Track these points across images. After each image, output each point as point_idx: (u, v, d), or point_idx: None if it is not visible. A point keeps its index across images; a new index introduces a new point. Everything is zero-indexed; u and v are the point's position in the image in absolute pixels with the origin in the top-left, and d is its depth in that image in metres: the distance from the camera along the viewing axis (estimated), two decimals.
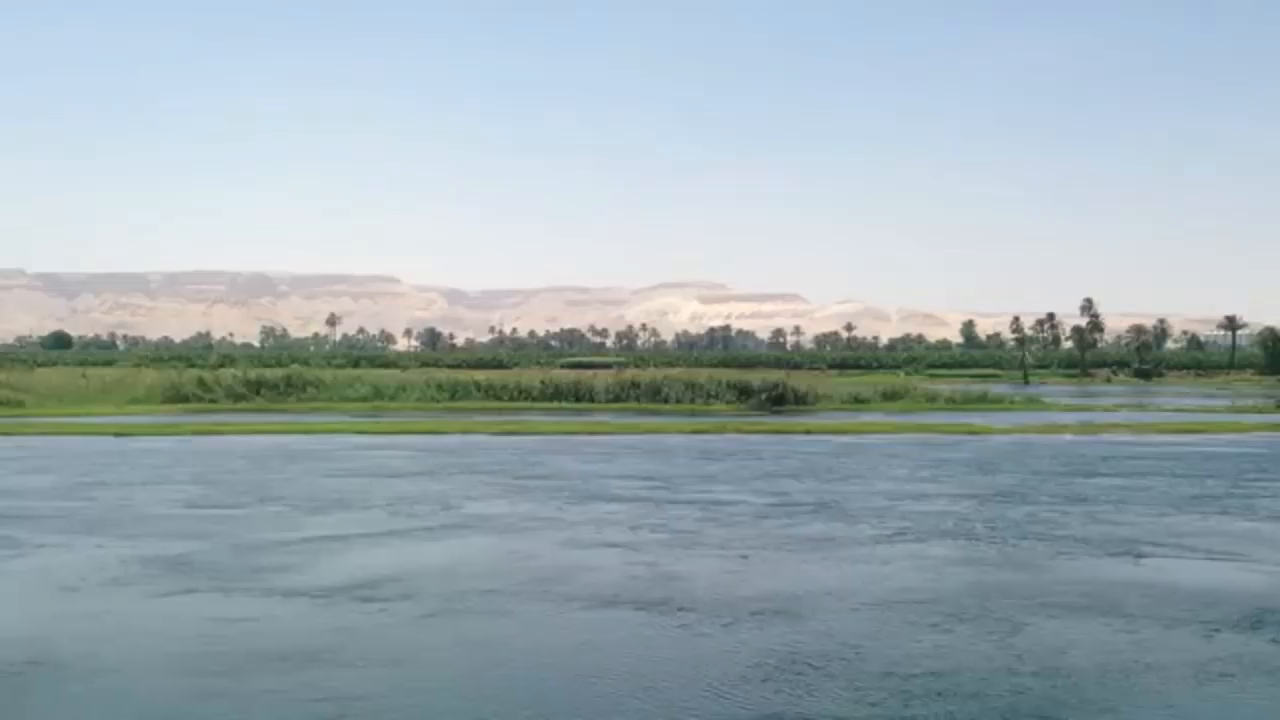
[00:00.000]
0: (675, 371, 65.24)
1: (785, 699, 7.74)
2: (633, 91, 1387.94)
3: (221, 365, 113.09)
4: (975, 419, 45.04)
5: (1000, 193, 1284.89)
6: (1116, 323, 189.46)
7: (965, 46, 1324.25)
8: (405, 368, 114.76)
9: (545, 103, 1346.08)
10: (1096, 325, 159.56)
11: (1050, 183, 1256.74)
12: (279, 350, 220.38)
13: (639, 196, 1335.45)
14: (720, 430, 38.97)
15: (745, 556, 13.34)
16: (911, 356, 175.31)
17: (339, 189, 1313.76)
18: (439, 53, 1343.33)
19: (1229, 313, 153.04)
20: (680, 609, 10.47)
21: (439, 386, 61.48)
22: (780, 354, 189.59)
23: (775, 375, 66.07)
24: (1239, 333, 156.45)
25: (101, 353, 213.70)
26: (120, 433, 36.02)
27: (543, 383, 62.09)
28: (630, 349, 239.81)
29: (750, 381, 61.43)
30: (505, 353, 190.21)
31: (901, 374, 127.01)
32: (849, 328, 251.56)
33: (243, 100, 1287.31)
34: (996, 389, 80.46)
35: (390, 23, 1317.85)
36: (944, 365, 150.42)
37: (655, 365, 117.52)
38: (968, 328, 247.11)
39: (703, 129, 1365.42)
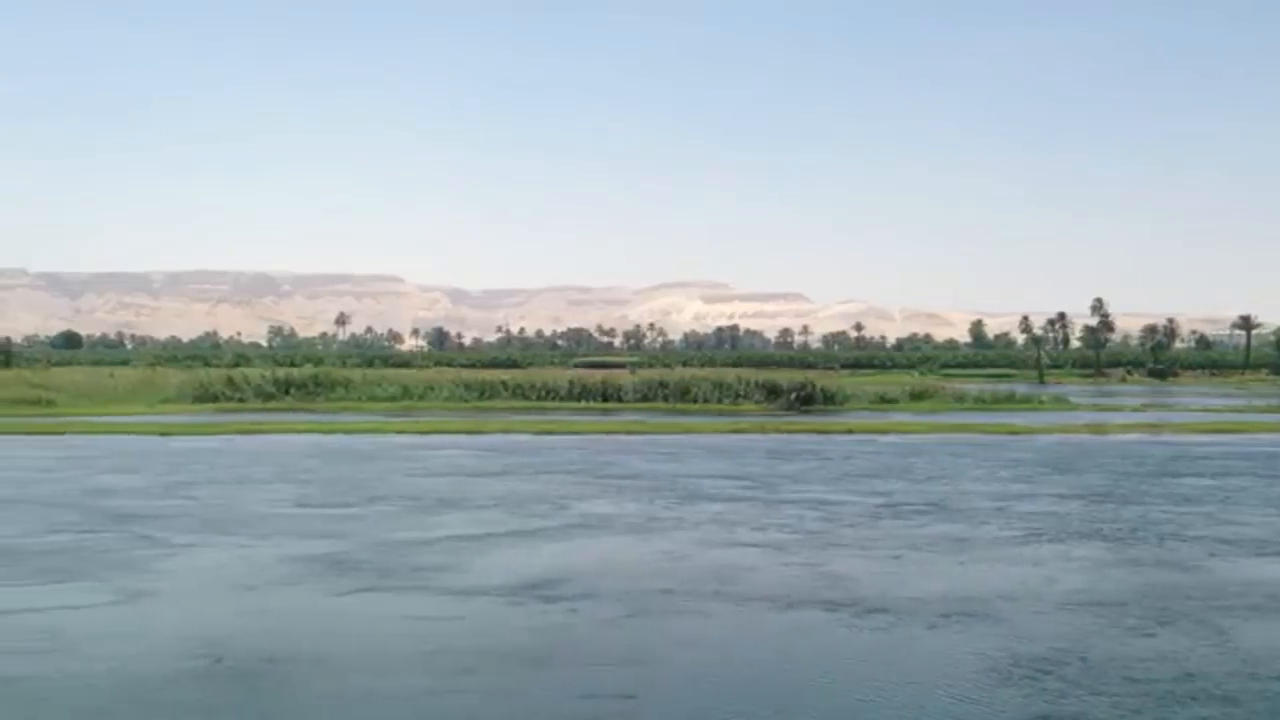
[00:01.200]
0: (703, 371, 65.24)
1: (1042, 703, 7.68)
2: (634, 91, 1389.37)
3: (237, 365, 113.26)
4: (1009, 419, 44.83)
5: (1002, 192, 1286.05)
6: (1122, 322, 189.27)
7: (966, 45, 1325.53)
8: (421, 367, 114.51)
9: (547, 102, 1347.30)
10: (1107, 325, 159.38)
11: (1052, 182, 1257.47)
12: (287, 350, 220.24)
13: (641, 196, 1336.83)
14: (760, 430, 38.76)
15: (897, 557, 13.29)
16: (924, 356, 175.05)
17: (341, 188, 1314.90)
18: (441, 52, 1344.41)
19: (1231, 313, 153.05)
20: (870, 611, 10.42)
21: (466, 386, 61.29)
22: (793, 354, 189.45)
23: (800, 375, 66.13)
24: (1236, 333, 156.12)
25: (112, 352, 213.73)
26: (164, 432, 35.89)
27: (570, 382, 61.90)
28: (638, 348, 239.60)
29: (778, 381, 61.23)
30: (518, 352, 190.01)
31: (915, 374, 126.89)
32: (858, 327, 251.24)
33: (245, 100, 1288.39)
34: (1013, 388, 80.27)
35: (392, 22, 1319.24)
36: (957, 365, 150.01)
37: (668, 365, 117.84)
38: (976, 327, 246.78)
39: (704, 128, 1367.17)
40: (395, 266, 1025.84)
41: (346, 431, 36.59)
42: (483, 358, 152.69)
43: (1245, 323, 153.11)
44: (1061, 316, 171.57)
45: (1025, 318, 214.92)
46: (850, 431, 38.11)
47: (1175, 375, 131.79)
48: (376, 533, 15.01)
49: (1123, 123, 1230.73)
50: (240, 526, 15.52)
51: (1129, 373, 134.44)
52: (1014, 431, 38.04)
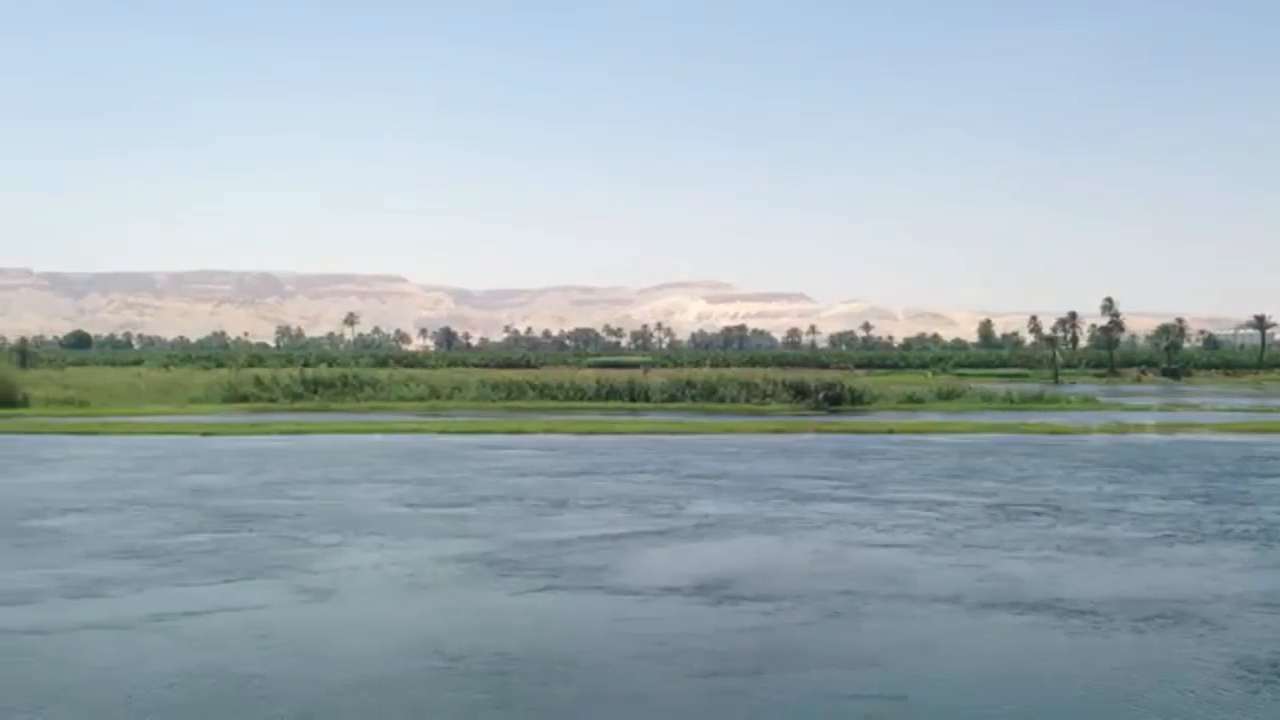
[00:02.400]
0: (730, 371, 65.24)
1: None
2: (636, 91, 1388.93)
3: (251, 365, 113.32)
4: (1044, 418, 44.78)
5: (1003, 192, 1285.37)
6: (1127, 322, 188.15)
7: (966, 44, 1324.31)
8: (434, 367, 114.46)
9: (549, 102, 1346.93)
10: (1118, 325, 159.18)
11: (1053, 182, 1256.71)
12: (295, 350, 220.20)
13: (644, 196, 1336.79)
14: (801, 430, 38.79)
15: (1048, 558, 13.31)
16: (937, 356, 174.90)
17: (344, 189, 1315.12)
18: (443, 53, 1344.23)
19: (1235, 313, 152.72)
20: (1068, 614, 10.49)
21: (493, 386, 61.47)
22: (806, 354, 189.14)
23: (823, 375, 66.20)
24: (1242, 332, 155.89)
25: (121, 352, 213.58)
26: (207, 432, 36.00)
27: (597, 382, 62.00)
28: (645, 348, 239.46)
29: (806, 382, 61.28)
30: (531, 353, 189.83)
31: (929, 374, 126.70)
32: (866, 327, 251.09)
33: (247, 100, 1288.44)
34: (1035, 388, 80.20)
35: (395, 22, 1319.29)
36: (970, 365, 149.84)
37: (680, 364, 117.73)
38: (985, 327, 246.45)
39: (707, 128, 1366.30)
40: (398, 266, 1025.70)
41: (387, 432, 36.65)
42: (496, 358, 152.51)
43: (1260, 322, 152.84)
44: (1072, 316, 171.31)
45: (1034, 317, 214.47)
46: (891, 431, 38.09)
47: (1189, 375, 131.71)
48: (510, 532, 15.08)
49: (1125, 123, 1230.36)
50: (370, 526, 15.55)
51: (1143, 372, 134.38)
52: (1054, 431, 38.01)
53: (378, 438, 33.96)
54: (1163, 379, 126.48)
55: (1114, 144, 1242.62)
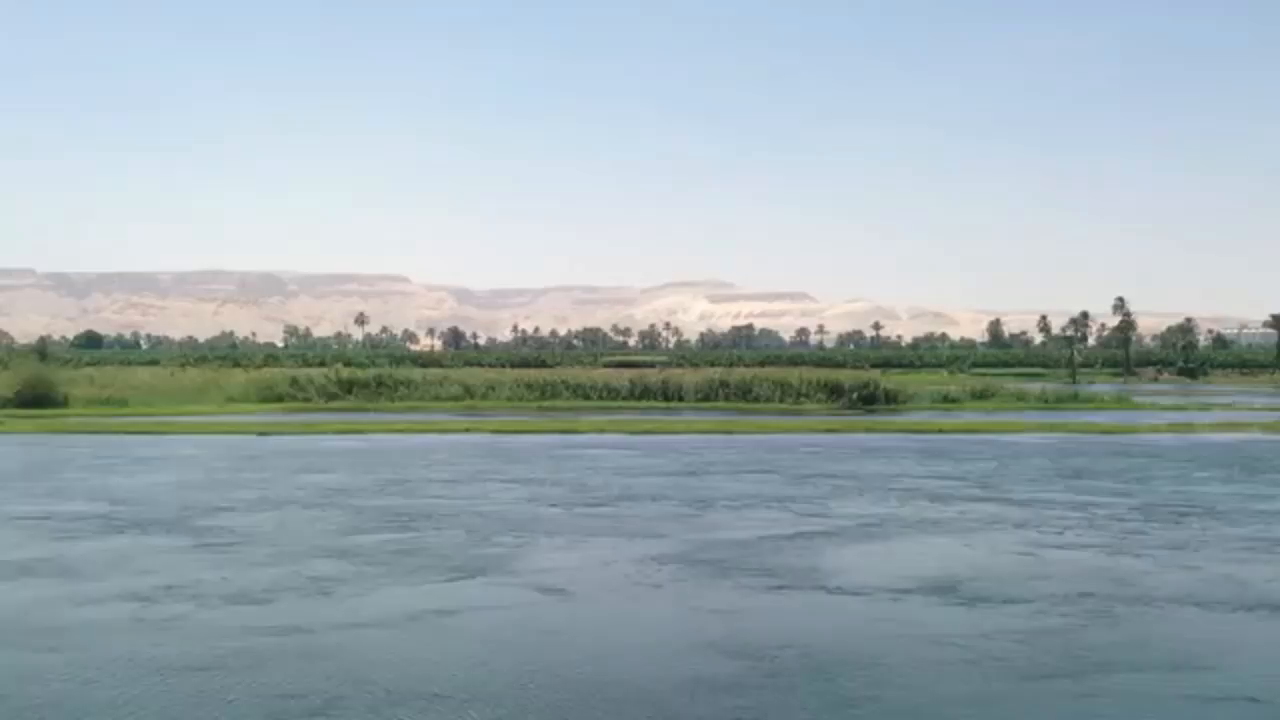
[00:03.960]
0: (764, 371, 65.14)
1: None
2: (638, 91, 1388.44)
3: (265, 364, 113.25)
4: (1090, 417, 44.68)
5: (1004, 191, 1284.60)
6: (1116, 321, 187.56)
7: (967, 44, 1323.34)
8: (450, 366, 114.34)
9: (551, 102, 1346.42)
10: (1130, 324, 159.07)
11: (1054, 182, 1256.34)
12: (302, 350, 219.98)
13: (645, 195, 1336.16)
14: (852, 430, 38.69)
15: (1249, 560, 13.34)
16: (953, 356, 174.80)
17: (346, 188, 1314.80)
18: (445, 53, 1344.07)
19: (1238, 313, 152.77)
20: None
21: (527, 386, 61.42)
22: (822, 353, 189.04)
23: (860, 376, 66.10)
24: (1245, 332, 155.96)
25: (130, 352, 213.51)
26: (263, 432, 35.98)
27: (631, 382, 61.96)
28: (653, 347, 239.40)
29: (841, 381, 61.25)
30: (547, 353, 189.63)
31: (944, 373, 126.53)
32: (877, 326, 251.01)
33: (250, 100, 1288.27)
34: (1056, 387, 79.90)
35: (397, 22, 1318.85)
36: (985, 364, 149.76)
37: (697, 364, 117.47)
38: (994, 326, 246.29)
39: (708, 128, 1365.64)
40: (400, 266, 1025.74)
41: (442, 432, 36.61)
42: (512, 357, 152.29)
43: (1277, 321, 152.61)
44: (1084, 316, 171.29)
45: (1044, 317, 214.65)
46: (942, 431, 37.99)
47: (1206, 374, 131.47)
48: (680, 533, 15.06)
49: (1126, 123, 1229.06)
50: (538, 527, 15.58)
51: (1160, 372, 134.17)
52: (1105, 430, 37.88)
53: (436, 437, 33.92)
54: (1179, 378, 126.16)
55: (1115, 144, 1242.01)
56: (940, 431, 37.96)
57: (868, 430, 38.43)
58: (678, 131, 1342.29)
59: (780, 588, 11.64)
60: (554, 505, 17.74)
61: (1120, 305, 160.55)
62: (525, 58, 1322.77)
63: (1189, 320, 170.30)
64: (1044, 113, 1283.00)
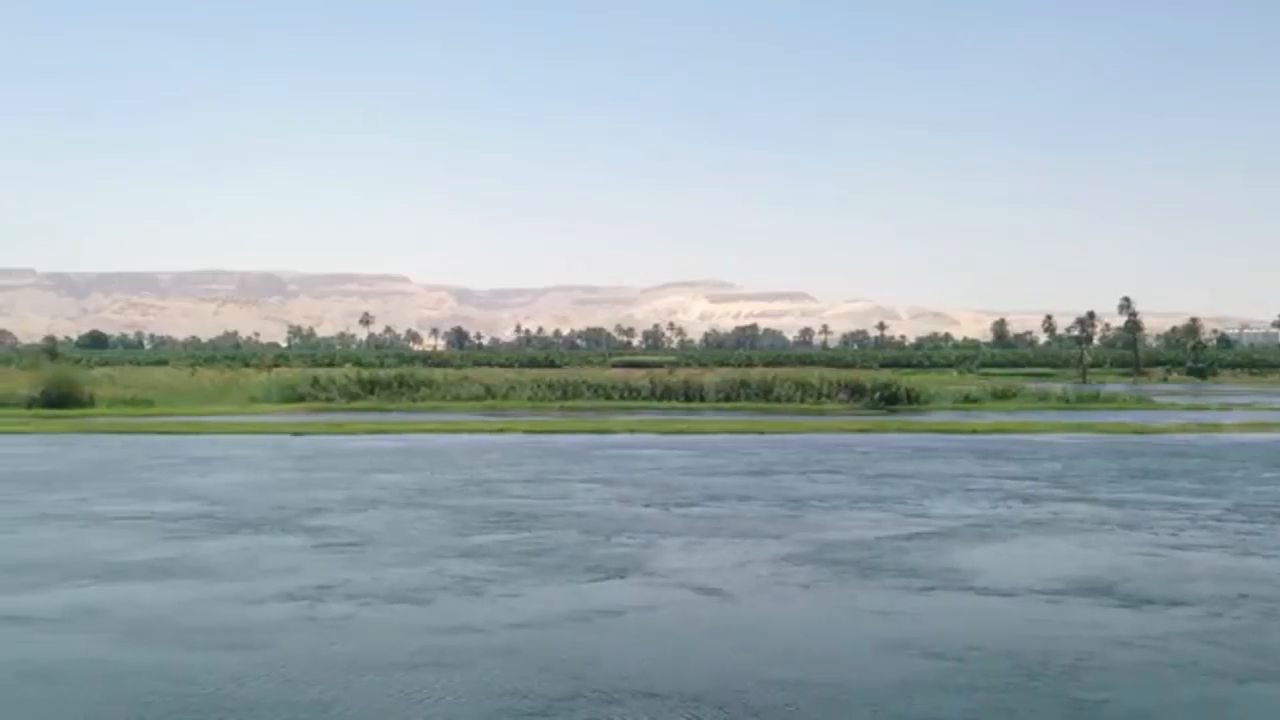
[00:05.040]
0: (784, 371, 65.08)
1: None
2: (638, 91, 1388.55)
3: (276, 365, 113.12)
4: (1104, 418, 44.49)
5: (1004, 191, 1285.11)
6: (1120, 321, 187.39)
7: (967, 44, 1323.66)
8: (459, 366, 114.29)
9: (551, 102, 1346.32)
10: (1136, 324, 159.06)
11: (1054, 182, 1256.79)
12: (306, 350, 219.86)
13: (645, 195, 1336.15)
14: (884, 429, 38.59)
15: None
16: (962, 356, 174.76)
17: (346, 188, 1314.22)
18: (445, 52, 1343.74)
19: (1239, 313, 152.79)
20: None
21: (548, 386, 61.33)
22: (830, 353, 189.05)
23: (883, 376, 66.08)
24: (1247, 332, 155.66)
25: (133, 352, 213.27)
26: (298, 431, 35.97)
27: (652, 382, 61.90)
28: (656, 347, 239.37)
29: (862, 381, 61.27)
30: (556, 353, 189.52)
31: (954, 373, 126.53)
32: (881, 327, 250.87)
33: (250, 100, 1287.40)
34: (1070, 387, 79.89)
35: (397, 22, 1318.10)
36: (995, 364, 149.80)
37: (706, 364, 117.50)
38: (999, 326, 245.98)
39: (709, 128, 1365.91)
40: (400, 266, 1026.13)
41: (474, 432, 36.52)
42: (520, 357, 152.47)
43: None
44: (1090, 316, 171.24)
45: (1049, 317, 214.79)
46: (975, 432, 37.86)
47: (1215, 374, 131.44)
48: (792, 532, 15.01)
49: (1126, 123, 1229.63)
50: (646, 526, 15.52)
51: (1169, 372, 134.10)
52: (1139, 430, 37.75)
53: (471, 437, 33.86)
54: (1189, 378, 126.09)
55: (1115, 144, 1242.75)
56: (974, 432, 37.82)
57: (899, 430, 38.33)
58: (678, 131, 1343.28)
59: (929, 589, 11.57)
60: (647, 505, 17.67)
61: (1126, 305, 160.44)
62: (525, 58, 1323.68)
63: (1194, 320, 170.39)
64: (1044, 113, 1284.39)
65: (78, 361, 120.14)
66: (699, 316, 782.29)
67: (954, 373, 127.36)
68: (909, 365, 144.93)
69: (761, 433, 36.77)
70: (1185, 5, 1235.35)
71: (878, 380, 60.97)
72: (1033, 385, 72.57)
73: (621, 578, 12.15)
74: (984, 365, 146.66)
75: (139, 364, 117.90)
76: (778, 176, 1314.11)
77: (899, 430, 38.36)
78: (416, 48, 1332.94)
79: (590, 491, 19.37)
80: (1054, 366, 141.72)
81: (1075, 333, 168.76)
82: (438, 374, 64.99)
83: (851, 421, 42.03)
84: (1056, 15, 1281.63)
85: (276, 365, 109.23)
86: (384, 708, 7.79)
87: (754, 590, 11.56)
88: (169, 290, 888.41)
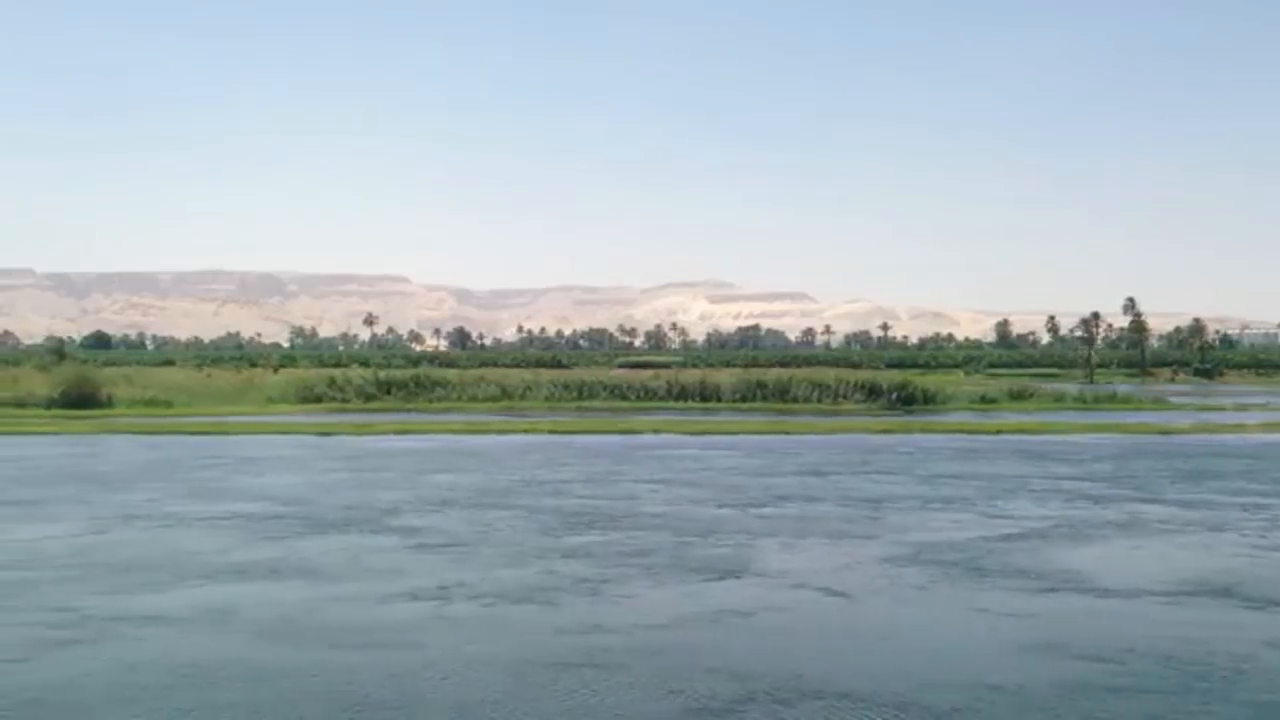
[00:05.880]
0: (801, 372, 64.97)
1: None
2: (638, 91, 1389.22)
3: (283, 365, 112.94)
4: (1124, 418, 44.44)
5: (1003, 192, 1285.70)
6: (1125, 321, 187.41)
7: (966, 44, 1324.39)
8: (466, 367, 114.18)
9: (551, 102, 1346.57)
10: (1141, 325, 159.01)
11: (1052, 182, 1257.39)
12: (310, 350, 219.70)
13: (645, 196, 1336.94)
14: (908, 430, 38.54)
15: None
16: (969, 356, 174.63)
17: (346, 189, 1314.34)
18: (445, 53, 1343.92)
19: (1239, 313, 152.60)
20: None
21: (564, 386, 61.26)
22: (837, 353, 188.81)
23: (898, 376, 66.00)
24: (1247, 332, 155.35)
25: (140, 352, 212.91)
26: (325, 432, 35.96)
27: (668, 383, 61.80)
28: (658, 348, 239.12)
29: (878, 382, 61.24)
30: (562, 353, 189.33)
31: (961, 374, 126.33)
32: (885, 328, 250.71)
33: (250, 100, 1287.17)
34: (1086, 388, 79.80)
35: (396, 23, 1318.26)
36: (1002, 365, 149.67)
37: (712, 365, 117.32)
38: (1002, 327, 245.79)
39: (709, 128, 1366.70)
40: (400, 266, 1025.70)
41: (501, 432, 36.47)
42: (526, 358, 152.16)
43: None
44: (1095, 316, 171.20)
45: (1052, 317, 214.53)
46: (1000, 432, 37.78)
47: (1221, 375, 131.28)
48: (884, 534, 15.05)
49: (1126, 123, 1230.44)
50: (729, 527, 15.47)
51: (1176, 372, 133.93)
52: (1165, 431, 37.69)
53: (497, 438, 33.86)
54: (1196, 379, 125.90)
55: (1114, 145, 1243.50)
56: (999, 433, 37.76)
57: (923, 431, 38.28)
58: (678, 131, 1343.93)
59: (1050, 591, 11.52)
60: (720, 506, 17.61)
61: (1130, 306, 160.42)
62: (525, 58, 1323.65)
63: (1197, 321, 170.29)
64: (1043, 113, 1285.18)
65: (84, 362, 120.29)
66: (699, 317, 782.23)
67: (960, 373, 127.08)
68: (914, 366, 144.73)
69: (787, 433, 36.72)
70: (1186, 5, 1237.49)
71: (893, 381, 60.90)
72: (1047, 386, 72.35)
73: (736, 578, 12.11)
74: (991, 366, 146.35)
75: (144, 364, 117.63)
76: (777, 176, 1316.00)
77: (923, 431, 38.30)
78: (416, 48, 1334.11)
79: (654, 492, 19.32)
80: (1060, 367, 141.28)
81: (1079, 333, 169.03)
82: (452, 375, 64.89)
83: (875, 422, 41.97)
84: (1057, 15, 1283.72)
85: (283, 366, 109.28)
86: (566, 707, 7.75)
87: (873, 592, 11.52)
88: (169, 290, 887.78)
